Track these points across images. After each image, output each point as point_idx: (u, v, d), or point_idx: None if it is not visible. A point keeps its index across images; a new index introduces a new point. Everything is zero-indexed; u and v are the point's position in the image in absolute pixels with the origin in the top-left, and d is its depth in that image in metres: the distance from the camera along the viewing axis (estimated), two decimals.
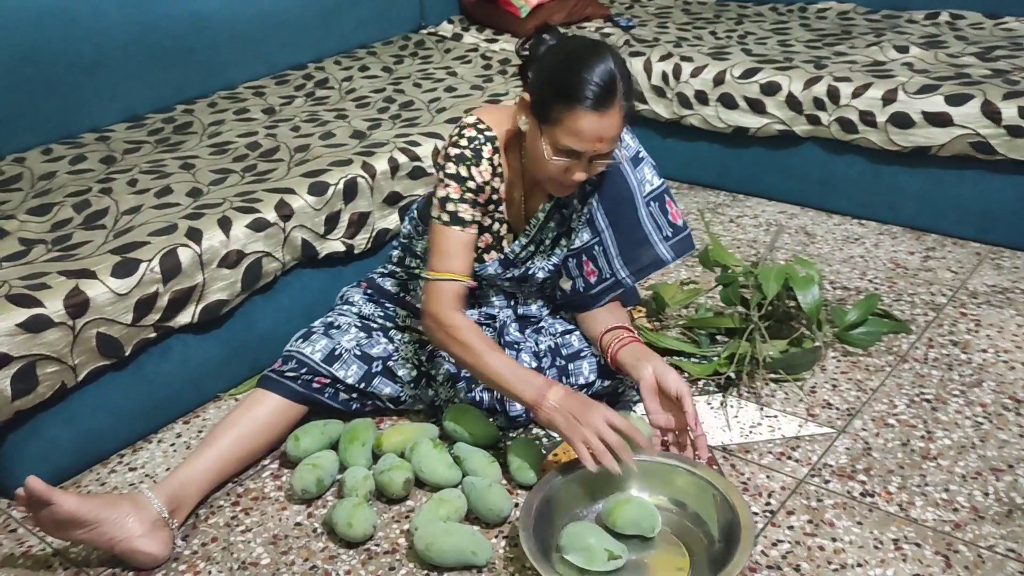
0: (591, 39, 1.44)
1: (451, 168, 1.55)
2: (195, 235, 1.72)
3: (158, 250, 1.67)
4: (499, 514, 1.47)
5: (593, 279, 1.67)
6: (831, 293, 2.09)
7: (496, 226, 1.66)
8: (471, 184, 1.54)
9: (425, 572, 1.40)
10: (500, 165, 1.58)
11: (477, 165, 1.55)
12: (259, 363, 1.87)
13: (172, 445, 1.75)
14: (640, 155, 1.64)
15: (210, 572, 1.43)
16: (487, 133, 1.56)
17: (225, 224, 1.77)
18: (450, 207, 1.54)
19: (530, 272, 1.70)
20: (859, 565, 1.36)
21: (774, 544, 1.41)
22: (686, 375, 1.83)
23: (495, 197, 1.62)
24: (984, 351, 1.85)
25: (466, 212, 1.55)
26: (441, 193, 1.55)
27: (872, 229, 2.39)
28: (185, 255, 1.69)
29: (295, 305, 1.95)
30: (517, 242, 1.67)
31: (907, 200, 2.35)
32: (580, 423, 1.39)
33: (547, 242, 1.68)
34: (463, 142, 1.55)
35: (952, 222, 2.31)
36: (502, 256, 1.68)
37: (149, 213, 1.83)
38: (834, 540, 1.41)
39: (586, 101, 1.37)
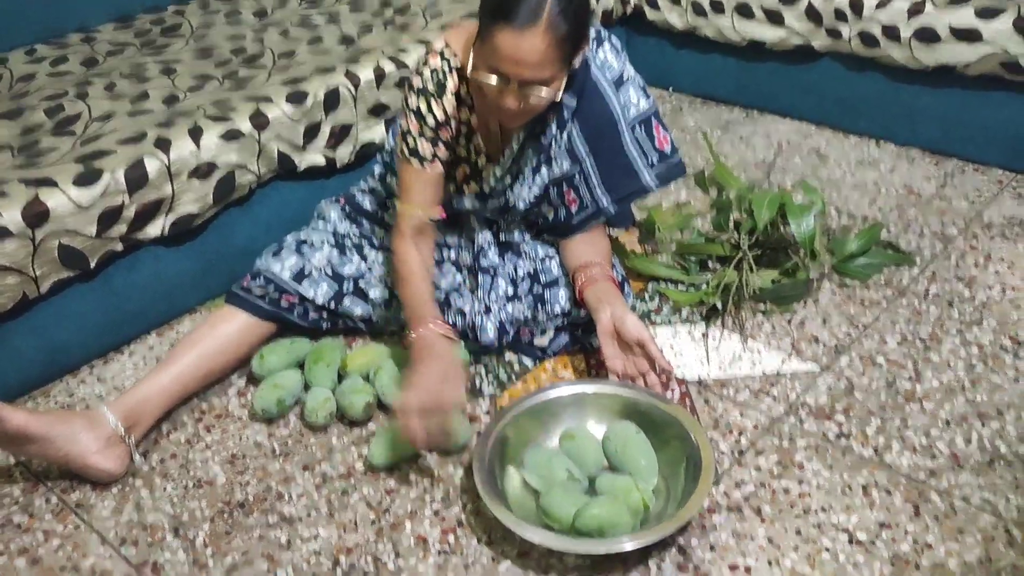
0: None
1: (412, 101, 1.47)
2: (164, 145, 1.66)
3: (124, 160, 1.61)
4: (456, 442, 1.43)
5: (575, 208, 1.59)
6: (836, 221, 1.98)
7: (473, 156, 1.58)
8: (430, 121, 1.46)
9: (379, 498, 1.38)
10: (467, 95, 1.49)
11: (439, 98, 1.46)
12: (237, 276, 1.82)
13: (143, 357, 1.73)
14: (624, 76, 1.53)
15: (165, 489, 1.43)
16: (452, 61, 1.46)
17: (196, 134, 1.70)
18: (410, 141, 1.49)
19: (510, 204, 1.62)
20: (823, 510, 1.30)
21: (738, 485, 1.36)
22: (671, 303, 1.75)
23: (464, 130, 1.53)
24: (990, 287, 1.74)
25: (425, 149, 1.48)
26: (403, 125, 1.50)
27: (890, 152, 2.25)
28: (152, 166, 1.64)
29: (274, 218, 1.90)
30: (493, 173, 1.59)
31: (929, 122, 2.20)
32: (412, 384, 1.33)
33: (526, 172, 1.59)
34: (426, 73, 1.46)
35: (976, 147, 2.16)
36: (479, 190, 1.60)
37: (121, 120, 1.77)
38: (801, 483, 1.35)
39: (507, 17, 1.26)
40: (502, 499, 1.27)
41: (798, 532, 1.28)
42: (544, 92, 1.34)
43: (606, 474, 1.34)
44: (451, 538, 1.31)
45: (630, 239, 1.95)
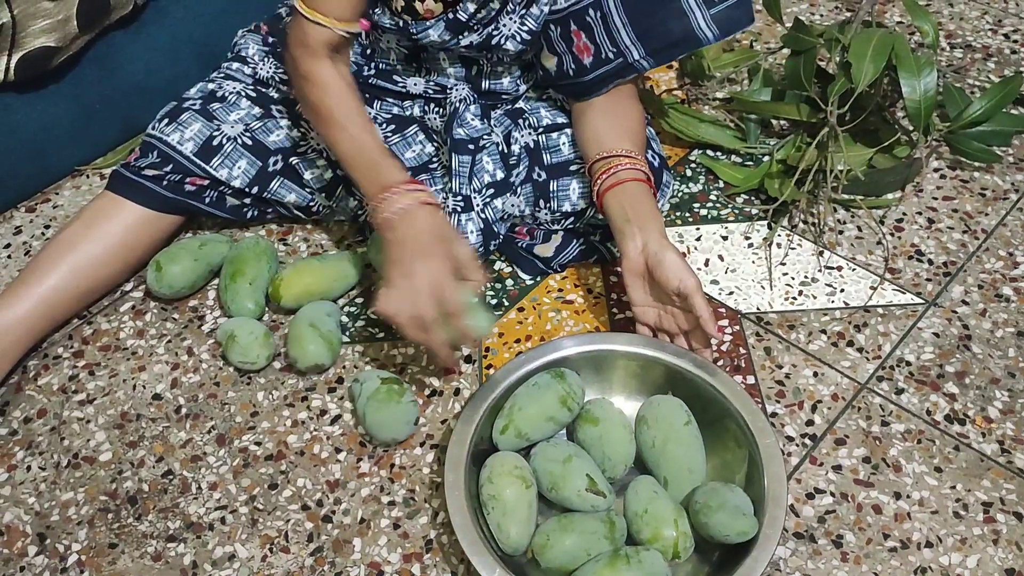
0: None
1: None
2: None
3: None
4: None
5: (588, 59, 1.09)
6: (945, 55, 1.46)
7: None
8: None
9: (319, 496, 1.01)
10: None
11: None
12: (134, 121, 1.36)
13: (7, 247, 1.29)
14: None
15: (29, 468, 1.05)
16: None
17: None
18: None
19: (495, 41, 1.11)
20: (929, 544, 0.94)
21: (810, 496, 0.99)
22: (721, 186, 1.29)
23: None
24: None
25: None
26: None
27: None
28: None
29: (180, 41, 1.38)
30: None
31: None
32: (413, 272, 0.95)
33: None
34: None
35: None
36: (449, 16, 1.07)
37: None
38: (898, 497, 0.98)
39: None
40: (488, 534, 0.90)
41: None
42: None
43: (638, 485, 0.95)
44: (415, 569, 0.95)
45: (666, 75, 1.45)
